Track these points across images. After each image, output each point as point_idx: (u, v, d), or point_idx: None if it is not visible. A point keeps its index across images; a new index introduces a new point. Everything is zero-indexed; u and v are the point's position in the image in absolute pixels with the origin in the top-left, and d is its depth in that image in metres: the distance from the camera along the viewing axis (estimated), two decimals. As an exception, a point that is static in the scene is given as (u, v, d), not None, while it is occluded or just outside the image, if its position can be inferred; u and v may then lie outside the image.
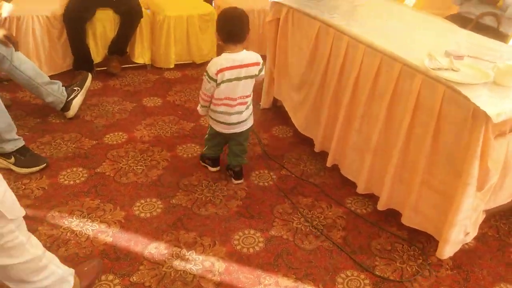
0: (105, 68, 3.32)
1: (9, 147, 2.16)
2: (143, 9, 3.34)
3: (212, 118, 2.17)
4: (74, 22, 3.10)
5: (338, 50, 2.21)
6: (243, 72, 2.05)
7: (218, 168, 2.33)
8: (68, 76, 3.12)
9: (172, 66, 3.53)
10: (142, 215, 1.99)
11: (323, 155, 2.43)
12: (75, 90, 2.69)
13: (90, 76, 2.81)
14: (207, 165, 2.35)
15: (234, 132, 2.17)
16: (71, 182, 2.17)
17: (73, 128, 2.63)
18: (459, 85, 1.64)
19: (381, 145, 2.02)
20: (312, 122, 2.51)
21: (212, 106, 2.12)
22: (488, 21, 2.80)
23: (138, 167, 2.33)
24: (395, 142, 1.91)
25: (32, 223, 1.87)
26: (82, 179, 2.20)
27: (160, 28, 3.45)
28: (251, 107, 2.18)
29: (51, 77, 2.69)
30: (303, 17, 2.49)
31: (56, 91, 2.59)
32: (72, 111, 2.68)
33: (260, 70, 2.11)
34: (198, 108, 2.19)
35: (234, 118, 2.12)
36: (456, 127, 1.65)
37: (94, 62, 3.27)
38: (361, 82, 2.08)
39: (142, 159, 2.39)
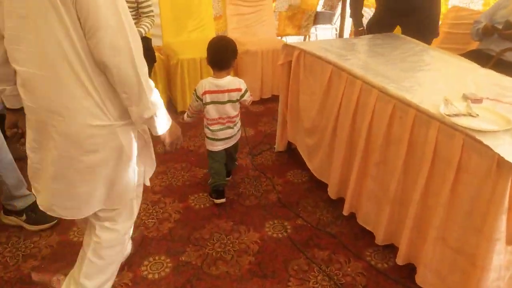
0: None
1: (20, 204, 2.13)
2: (156, 53, 3.38)
3: (207, 137, 2.37)
4: None
5: (351, 95, 2.14)
6: (226, 96, 2.25)
7: (223, 200, 2.39)
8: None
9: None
10: (150, 276, 1.91)
11: (340, 201, 2.32)
12: None
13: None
14: (213, 199, 2.41)
15: (226, 147, 2.37)
16: (81, 239, 2.11)
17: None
18: (479, 133, 1.54)
19: (399, 194, 1.91)
20: (327, 168, 2.42)
21: (207, 126, 2.32)
22: (510, 57, 2.68)
23: (150, 220, 2.27)
24: (413, 192, 1.80)
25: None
26: (92, 235, 2.15)
27: (175, 72, 3.47)
28: (238, 124, 2.39)
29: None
30: (314, 60, 2.44)
31: None
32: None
33: (242, 96, 2.27)
34: (184, 115, 2.41)
35: (223, 134, 2.33)
36: (477, 178, 1.53)
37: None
38: (375, 128, 2.00)
39: (154, 211, 2.34)
